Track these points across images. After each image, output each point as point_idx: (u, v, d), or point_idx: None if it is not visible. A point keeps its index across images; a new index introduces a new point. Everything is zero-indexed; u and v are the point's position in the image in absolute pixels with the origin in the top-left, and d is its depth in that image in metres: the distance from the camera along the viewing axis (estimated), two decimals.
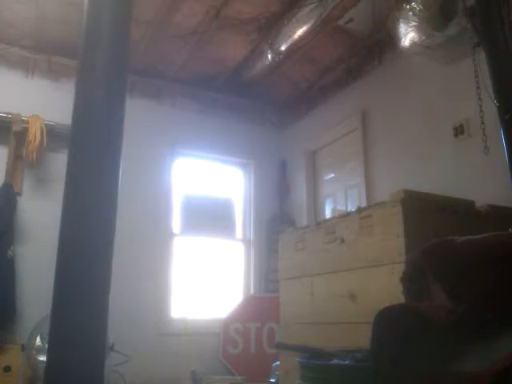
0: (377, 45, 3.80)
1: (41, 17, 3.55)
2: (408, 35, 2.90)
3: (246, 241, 4.70)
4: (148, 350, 3.79)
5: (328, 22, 3.42)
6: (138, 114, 4.01)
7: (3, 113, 3.71)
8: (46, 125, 3.78)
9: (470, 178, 2.92)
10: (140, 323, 3.84)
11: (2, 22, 3.60)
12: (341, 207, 4.23)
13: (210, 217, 4.54)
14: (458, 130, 3.07)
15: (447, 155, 3.14)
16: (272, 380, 3.07)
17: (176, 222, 4.38)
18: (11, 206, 3.64)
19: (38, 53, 3.97)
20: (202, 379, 3.80)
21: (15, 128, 3.72)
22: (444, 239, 1.35)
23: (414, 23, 2.84)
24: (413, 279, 1.40)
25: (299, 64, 4.12)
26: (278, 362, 2.77)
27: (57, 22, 3.60)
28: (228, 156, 4.75)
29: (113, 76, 1.51)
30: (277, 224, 4.64)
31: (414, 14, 2.82)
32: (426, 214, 1.96)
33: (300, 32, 3.40)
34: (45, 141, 3.73)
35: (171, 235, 4.31)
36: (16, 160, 3.76)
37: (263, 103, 4.88)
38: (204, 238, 4.52)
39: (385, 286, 1.90)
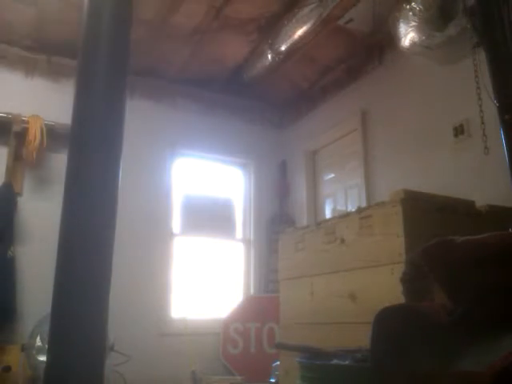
0: (377, 45, 3.80)
1: (41, 17, 3.55)
2: (408, 35, 2.90)
3: (246, 241, 4.70)
4: (148, 350, 3.79)
5: (328, 22, 3.42)
6: (137, 114, 4.01)
7: (3, 113, 3.71)
8: (46, 125, 3.78)
9: (469, 178, 2.92)
10: (140, 323, 3.84)
11: (2, 22, 3.60)
12: (341, 207, 4.23)
13: (209, 217, 4.54)
14: (458, 130, 3.07)
15: (447, 155, 3.14)
16: (272, 380, 3.07)
17: (176, 222, 4.39)
18: (11, 205, 3.64)
19: (38, 53, 3.98)
20: (202, 379, 3.80)
21: (15, 128, 3.72)
22: (444, 239, 1.35)
23: (413, 23, 2.84)
24: (413, 279, 1.40)
25: (299, 64, 4.12)
26: (278, 362, 2.77)
27: (57, 22, 3.60)
28: (228, 156, 4.75)
29: (113, 76, 1.51)
30: (277, 224, 4.64)
31: (414, 14, 2.82)
32: (425, 214, 1.96)
33: (300, 32, 3.40)
34: (45, 141, 3.73)
35: (171, 235, 4.31)
36: (16, 160, 3.77)
37: (263, 103, 4.88)
38: (204, 238, 4.53)
39: (385, 286, 1.90)
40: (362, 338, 1.46)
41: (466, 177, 2.95)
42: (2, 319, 3.41)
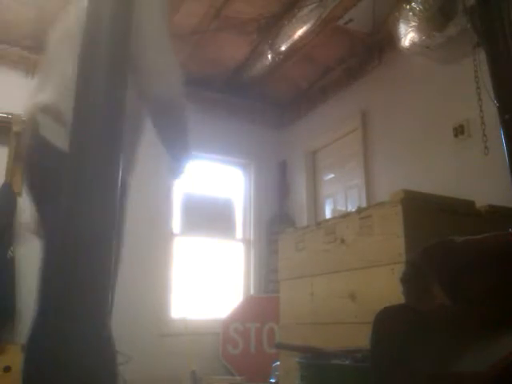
0: (377, 45, 3.80)
1: (41, 17, 3.55)
2: (408, 35, 2.90)
3: (246, 241, 4.70)
4: (148, 350, 3.79)
5: (328, 23, 3.42)
6: None
7: (3, 113, 3.71)
8: None
9: (469, 178, 2.92)
10: (140, 323, 3.83)
11: (2, 22, 3.60)
12: (341, 207, 4.23)
13: (210, 217, 4.54)
14: (458, 131, 3.07)
15: (447, 155, 3.14)
16: (272, 380, 3.07)
17: (176, 222, 4.38)
18: (11, 206, 3.64)
19: (38, 53, 3.97)
20: (202, 379, 3.80)
21: (15, 128, 3.72)
22: (444, 239, 1.35)
23: (413, 23, 2.84)
24: (413, 279, 1.40)
25: (299, 64, 4.12)
26: (278, 362, 2.77)
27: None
28: (228, 156, 4.75)
29: (113, 76, 1.51)
30: (277, 224, 4.64)
31: (414, 14, 2.82)
32: (426, 214, 1.96)
33: (300, 32, 3.40)
34: None
35: (171, 235, 4.31)
36: (16, 160, 3.76)
37: (263, 103, 4.88)
38: (204, 238, 4.52)
39: (385, 286, 1.90)
40: (362, 338, 1.46)
41: (466, 177, 2.95)
42: (2, 319, 3.41)
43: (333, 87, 4.33)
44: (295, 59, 3.99)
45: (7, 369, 3.24)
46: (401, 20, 2.92)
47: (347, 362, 1.48)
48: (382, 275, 1.95)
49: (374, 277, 2.01)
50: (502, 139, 1.88)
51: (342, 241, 2.22)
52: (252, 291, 4.54)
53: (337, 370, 1.48)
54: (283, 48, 3.61)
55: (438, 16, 2.76)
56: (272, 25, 3.56)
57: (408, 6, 2.84)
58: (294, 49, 3.69)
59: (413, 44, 2.91)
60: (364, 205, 3.49)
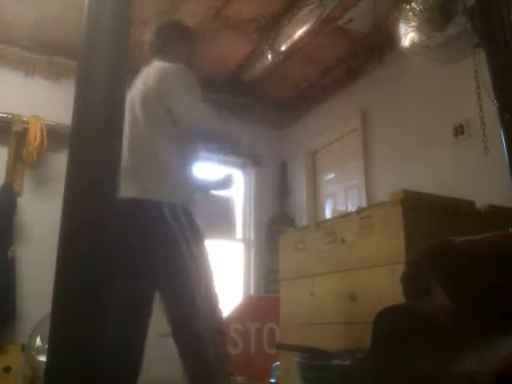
0: (377, 45, 3.80)
1: (41, 17, 3.55)
2: (408, 35, 2.90)
3: (246, 241, 4.70)
4: (148, 350, 3.78)
5: (328, 23, 3.42)
6: None
7: (3, 113, 3.71)
8: (46, 125, 3.78)
9: (469, 178, 2.92)
10: None
11: (2, 22, 3.60)
12: (341, 207, 4.23)
13: (210, 217, 4.53)
14: (458, 130, 3.07)
15: (447, 155, 3.14)
16: (272, 380, 3.07)
17: None
18: (11, 206, 3.64)
19: (38, 53, 3.97)
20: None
21: (15, 128, 3.72)
22: (444, 239, 1.35)
23: (413, 23, 2.84)
24: (413, 279, 1.40)
25: (299, 64, 4.12)
26: (278, 363, 2.77)
27: (57, 23, 3.60)
28: (228, 156, 4.75)
29: (113, 76, 1.51)
30: (277, 224, 4.64)
31: (414, 15, 2.82)
32: (426, 214, 1.96)
33: (300, 32, 3.40)
34: (45, 141, 3.74)
35: None
36: (16, 160, 3.77)
37: (263, 103, 4.88)
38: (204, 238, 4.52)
39: (385, 286, 1.90)
40: (362, 339, 1.46)
41: (466, 177, 2.95)
42: (2, 319, 3.41)
43: (333, 87, 4.33)
44: (295, 59, 3.99)
45: (7, 369, 3.24)
46: (401, 20, 2.92)
47: (347, 362, 1.48)
48: (382, 275, 1.95)
49: (374, 277, 2.00)
50: (502, 139, 1.88)
51: (342, 241, 2.22)
52: (252, 291, 4.54)
53: (337, 370, 1.48)
54: (283, 48, 3.61)
55: (438, 16, 2.76)
56: (272, 25, 3.56)
57: (408, 6, 2.85)
58: (294, 49, 3.69)
59: (413, 44, 2.91)
60: (364, 205, 3.49)
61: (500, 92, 1.90)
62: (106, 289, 1.38)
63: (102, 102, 1.46)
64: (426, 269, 1.34)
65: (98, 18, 1.51)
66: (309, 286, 2.40)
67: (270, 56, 3.75)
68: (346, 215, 2.32)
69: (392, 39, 3.15)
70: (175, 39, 2.22)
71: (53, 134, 3.77)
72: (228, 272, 4.57)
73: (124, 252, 1.70)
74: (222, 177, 2.34)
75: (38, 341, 3.22)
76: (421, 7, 2.79)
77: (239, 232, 4.74)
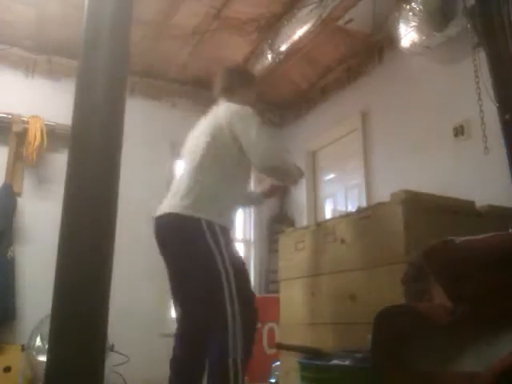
0: (377, 45, 3.80)
1: (41, 17, 3.55)
2: (408, 35, 2.90)
3: (246, 241, 4.70)
4: (148, 350, 3.79)
5: (328, 23, 3.42)
6: (138, 114, 4.01)
7: (3, 113, 3.71)
8: (46, 125, 3.78)
9: (469, 178, 2.92)
10: (140, 323, 3.83)
11: (2, 22, 3.60)
12: (341, 207, 4.23)
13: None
14: (458, 131, 3.07)
15: (447, 155, 3.14)
16: (272, 380, 3.07)
17: None
18: (11, 206, 3.64)
19: (38, 53, 3.97)
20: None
21: (15, 128, 3.72)
22: (444, 240, 1.35)
23: (414, 23, 2.84)
24: (413, 280, 1.40)
25: (299, 64, 4.12)
26: (278, 363, 2.77)
27: (57, 23, 3.60)
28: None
29: (113, 76, 1.51)
30: (277, 224, 4.64)
31: (414, 15, 2.82)
32: (426, 214, 1.95)
33: (300, 32, 3.40)
34: (45, 141, 3.74)
35: None
36: (16, 160, 3.77)
37: (263, 103, 4.88)
38: None
39: (385, 287, 1.90)
40: (362, 339, 1.46)
41: (466, 177, 2.95)
42: (2, 319, 3.41)
43: (333, 87, 4.33)
44: (295, 59, 3.99)
45: (7, 369, 3.24)
46: (401, 20, 2.92)
47: (347, 363, 1.47)
48: (382, 275, 1.95)
49: (374, 277, 2.00)
50: (502, 139, 1.88)
51: (342, 241, 2.22)
52: None
53: (337, 370, 1.48)
54: (283, 48, 3.60)
55: (438, 16, 2.76)
56: (272, 25, 3.56)
57: (408, 6, 2.84)
58: (294, 49, 3.68)
59: (413, 44, 2.91)
60: (364, 205, 3.50)
61: (500, 92, 1.90)
62: (106, 289, 1.38)
63: (102, 102, 1.46)
64: (426, 269, 1.34)
65: (98, 18, 1.51)
66: (309, 285, 2.40)
67: (269, 56, 3.74)
68: (345, 215, 2.32)
69: (392, 39, 3.15)
70: (242, 83, 2.48)
71: (53, 134, 3.77)
72: None
73: (166, 258, 2.35)
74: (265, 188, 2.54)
75: (38, 341, 3.22)
76: (421, 7, 2.79)
77: (239, 232, 4.74)
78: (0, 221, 3.54)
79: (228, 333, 1.89)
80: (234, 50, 3.95)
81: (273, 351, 3.73)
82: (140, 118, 4.10)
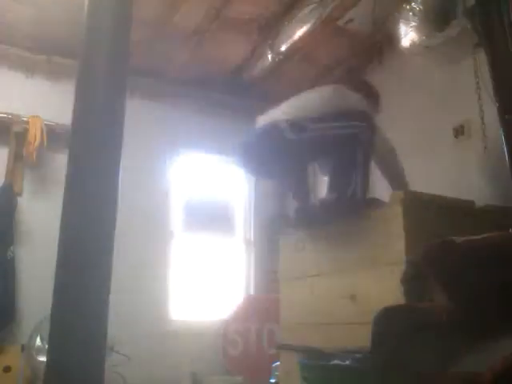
0: (377, 45, 3.80)
1: (41, 17, 3.55)
2: (408, 35, 2.90)
3: (246, 241, 4.70)
4: (148, 350, 3.79)
5: (328, 23, 3.42)
6: (137, 114, 4.00)
7: (3, 113, 3.71)
8: (46, 125, 3.77)
9: (469, 178, 2.92)
10: (140, 323, 3.83)
11: (2, 22, 3.60)
12: None
13: (209, 217, 4.53)
14: (459, 131, 3.07)
15: (447, 155, 3.14)
16: (272, 380, 3.07)
17: (176, 221, 4.38)
18: (11, 206, 3.64)
19: (38, 53, 3.97)
20: (202, 380, 3.80)
21: (15, 128, 3.72)
22: (444, 240, 1.35)
23: (414, 23, 2.84)
24: (413, 279, 1.40)
25: (299, 64, 4.11)
26: (279, 363, 2.76)
27: (57, 23, 3.60)
28: (228, 156, 4.74)
29: (113, 76, 1.51)
30: (277, 224, 4.63)
31: (414, 15, 2.82)
32: (426, 214, 1.96)
33: (300, 32, 3.40)
34: (45, 141, 3.73)
35: (171, 235, 4.31)
36: (16, 160, 3.76)
37: (263, 103, 4.85)
38: (204, 238, 4.52)
39: (385, 287, 1.90)
40: (362, 339, 1.46)
41: (466, 177, 2.95)
42: (2, 319, 3.41)
43: None
44: (295, 59, 3.99)
45: (7, 369, 3.24)
46: (401, 20, 2.92)
47: (347, 363, 1.48)
48: (382, 275, 1.95)
49: (374, 277, 2.01)
50: (502, 139, 1.88)
51: (342, 241, 2.22)
52: (252, 291, 4.53)
53: (337, 370, 1.48)
54: (283, 48, 3.60)
55: (438, 16, 2.76)
56: (272, 25, 3.56)
57: (408, 6, 2.84)
58: (294, 49, 3.68)
59: (413, 44, 2.91)
60: None
61: (500, 92, 1.90)
62: (106, 288, 1.38)
63: (102, 102, 1.46)
64: (426, 269, 1.34)
65: (98, 17, 1.51)
66: (309, 285, 2.40)
67: (270, 56, 3.74)
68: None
69: (392, 39, 3.15)
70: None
71: (53, 134, 3.77)
72: (228, 272, 4.57)
73: None
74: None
75: (38, 341, 3.22)
76: (421, 7, 2.79)
77: (239, 232, 4.74)
78: (0, 221, 3.54)
79: None
80: (234, 50, 3.95)
81: (273, 351, 3.73)
82: (140, 118, 4.09)
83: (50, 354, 1.29)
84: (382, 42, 3.71)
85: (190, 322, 4.06)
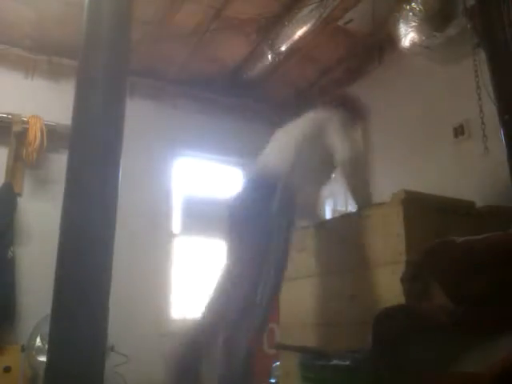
0: (377, 45, 3.80)
1: (41, 17, 3.55)
2: (408, 35, 2.90)
3: None
4: (148, 350, 3.78)
5: (328, 23, 3.42)
6: (137, 114, 4.00)
7: (3, 113, 3.71)
8: (46, 125, 3.77)
9: (469, 178, 2.92)
10: (140, 323, 3.83)
11: (2, 22, 3.60)
12: (341, 207, 4.22)
13: (210, 217, 4.53)
14: (458, 131, 3.07)
15: (447, 155, 3.14)
16: (272, 381, 3.07)
17: (176, 222, 4.38)
18: (11, 206, 3.64)
19: (38, 53, 3.97)
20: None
21: (15, 128, 3.72)
22: (444, 240, 1.35)
23: (414, 23, 2.84)
24: (413, 280, 1.40)
25: (299, 64, 4.12)
26: (278, 363, 2.76)
27: (57, 23, 3.60)
28: (228, 156, 4.74)
29: (113, 77, 1.51)
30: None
31: (414, 15, 2.82)
32: (426, 214, 1.96)
33: (300, 32, 3.40)
34: (45, 141, 3.73)
35: (171, 235, 4.31)
36: (16, 160, 3.76)
37: (263, 103, 4.87)
38: (204, 238, 4.52)
39: (385, 287, 1.90)
40: (362, 339, 1.46)
41: (466, 177, 2.95)
42: (2, 319, 3.41)
43: (333, 87, 4.33)
44: (295, 59, 3.99)
45: (7, 369, 3.24)
46: (401, 20, 2.92)
47: (347, 363, 1.47)
48: (382, 275, 1.95)
49: (374, 277, 2.00)
50: (502, 139, 1.88)
51: (342, 241, 2.22)
52: None
53: (337, 370, 1.48)
54: (283, 48, 3.60)
55: (438, 16, 2.76)
56: (272, 25, 3.56)
57: (408, 7, 2.84)
58: (294, 49, 3.68)
59: (413, 44, 2.91)
60: None
61: (500, 92, 1.90)
62: (106, 288, 1.38)
63: (102, 102, 1.46)
64: (426, 269, 1.34)
65: (98, 17, 1.51)
66: (309, 285, 2.40)
67: (269, 56, 3.74)
68: (346, 215, 2.32)
69: (392, 39, 3.15)
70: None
71: (53, 134, 3.77)
72: None
73: None
74: None
75: (38, 341, 3.22)
76: (421, 7, 2.79)
77: None
78: (0, 221, 3.54)
79: None
80: (234, 49, 3.95)
81: (273, 351, 3.72)
82: (140, 119, 4.09)
83: (49, 353, 1.29)
84: (382, 41, 3.71)
85: (189, 322, 4.05)
